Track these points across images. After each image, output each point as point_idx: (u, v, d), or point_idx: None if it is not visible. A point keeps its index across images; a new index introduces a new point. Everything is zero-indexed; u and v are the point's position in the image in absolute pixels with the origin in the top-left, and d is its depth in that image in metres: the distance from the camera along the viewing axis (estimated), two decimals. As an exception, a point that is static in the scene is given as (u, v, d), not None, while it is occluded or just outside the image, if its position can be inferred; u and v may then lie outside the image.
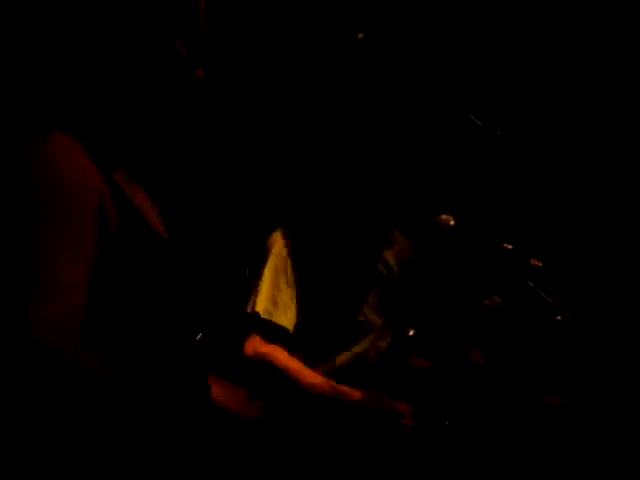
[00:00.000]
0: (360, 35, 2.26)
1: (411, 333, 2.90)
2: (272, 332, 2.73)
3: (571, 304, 2.39)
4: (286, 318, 2.74)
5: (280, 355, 2.70)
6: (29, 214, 1.60)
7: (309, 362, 2.75)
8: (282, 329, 2.73)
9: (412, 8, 3.21)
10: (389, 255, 2.97)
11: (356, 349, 2.84)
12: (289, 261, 2.79)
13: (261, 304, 2.73)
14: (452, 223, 2.52)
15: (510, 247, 2.48)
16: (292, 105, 3.33)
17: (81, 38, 1.78)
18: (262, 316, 2.71)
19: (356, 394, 2.71)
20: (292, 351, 2.74)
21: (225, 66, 3.21)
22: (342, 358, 2.83)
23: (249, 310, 2.74)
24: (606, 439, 2.84)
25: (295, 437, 2.64)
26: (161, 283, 1.74)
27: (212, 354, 1.96)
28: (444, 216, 2.53)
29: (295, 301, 2.77)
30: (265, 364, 2.67)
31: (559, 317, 2.44)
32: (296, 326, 2.77)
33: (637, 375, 2.32)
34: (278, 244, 2.79)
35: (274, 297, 2.74)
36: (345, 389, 2.71)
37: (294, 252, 2.80)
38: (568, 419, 2.86)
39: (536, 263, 2.37)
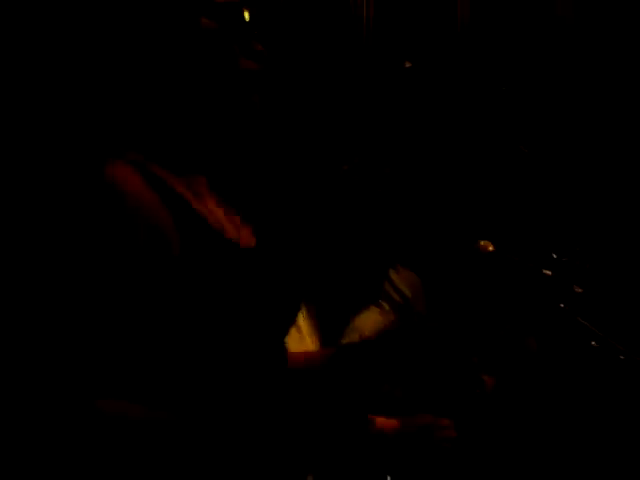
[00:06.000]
0: (408, 64, 2.30)
1: None
2: None
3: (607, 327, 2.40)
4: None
5: None
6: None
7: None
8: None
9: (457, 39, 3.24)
10: (396, 279, 2.97)
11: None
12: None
13: None
14: (491, 249, 2.54)
15: (549, 273, 2.49)
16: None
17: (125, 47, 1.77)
18: None
19: (393, 423, 2.65)
20: None
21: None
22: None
23: None
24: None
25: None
26: (237, 297, 1.71)
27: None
28: (483, 242, 2.55)
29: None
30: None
31: (594, 342, 2.45)
32: None
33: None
34: None
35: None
36: (382, 420, 2.65)
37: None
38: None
39: (578, 290, 2.38)
